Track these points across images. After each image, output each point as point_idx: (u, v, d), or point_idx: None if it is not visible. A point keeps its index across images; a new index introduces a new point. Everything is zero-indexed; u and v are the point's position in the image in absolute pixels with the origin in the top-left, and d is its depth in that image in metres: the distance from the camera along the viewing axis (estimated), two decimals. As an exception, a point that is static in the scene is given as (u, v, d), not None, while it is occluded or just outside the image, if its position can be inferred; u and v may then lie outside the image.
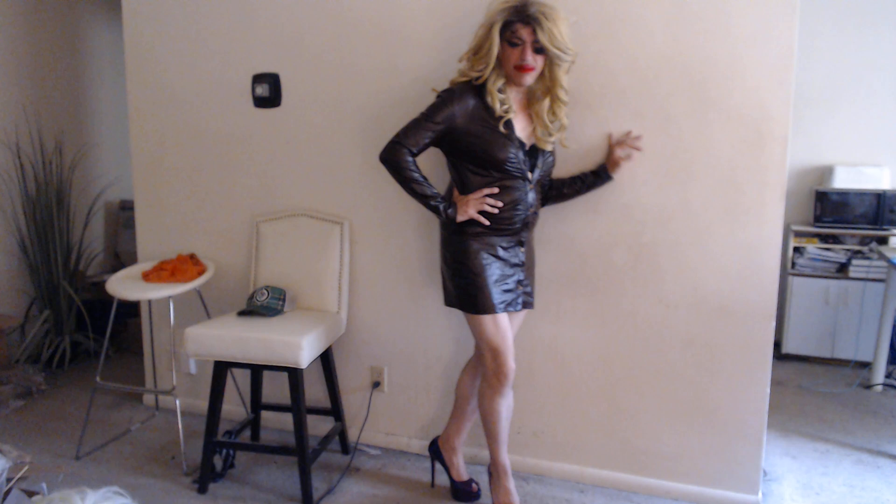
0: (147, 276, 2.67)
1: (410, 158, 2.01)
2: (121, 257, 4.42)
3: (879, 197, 3.67)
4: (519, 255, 2.10)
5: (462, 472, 2.35)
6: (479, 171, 2.03)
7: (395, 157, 2.01)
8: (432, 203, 2.03)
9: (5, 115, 3.64)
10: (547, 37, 1.89)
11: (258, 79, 2.72)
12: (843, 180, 3.84)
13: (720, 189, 2.18)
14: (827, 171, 3.95)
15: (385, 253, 2.63)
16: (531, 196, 2.06)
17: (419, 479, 2.47)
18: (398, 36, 2.49)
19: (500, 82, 1.99)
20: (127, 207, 4.37)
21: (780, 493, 2.38)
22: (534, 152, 2.06)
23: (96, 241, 4.25)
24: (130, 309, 3.61)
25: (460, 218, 2.02)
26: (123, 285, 2.61)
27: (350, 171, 2.64)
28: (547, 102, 2.02)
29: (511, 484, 2.24)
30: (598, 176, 2.22)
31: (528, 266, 2.14)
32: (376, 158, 2.57)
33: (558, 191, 2.24)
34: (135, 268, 2.84)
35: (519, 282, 2.10)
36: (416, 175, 2.02)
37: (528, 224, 2.09)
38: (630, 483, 2.38)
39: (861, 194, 3.70)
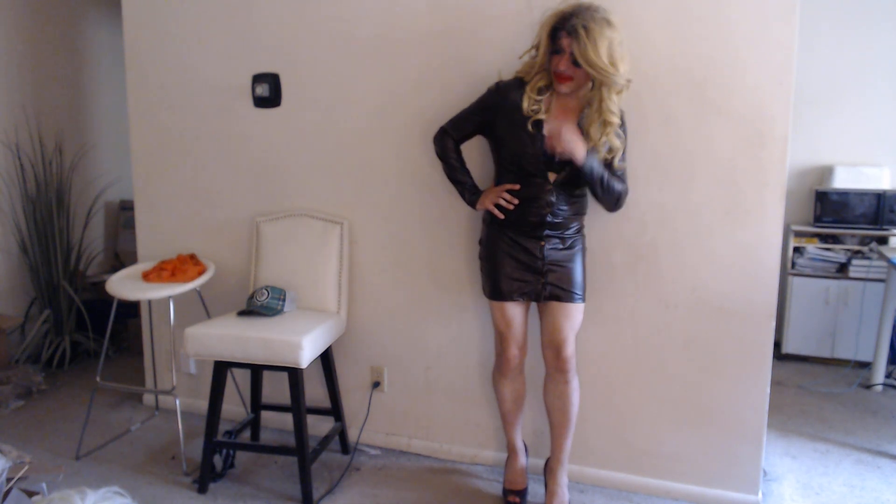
0: (147, 276, 2.67)
1: (452, 144, 2.22)
2: (121, 257, 4.42)
3: (879, 197, 3.67)
4: (539, 248, 2.09)
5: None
6: (505, 165, 2.13)
7: (439, 142, 2.24)
8: (458, 188, 2.23)
9: (5, 115, 3.64)
10: (580, 53, 1.87)
11: (258, 79, 2.72)
12: (842, 180, 3.84)
13: (720, 189, 2.18)
14: (827, 171, 3.94)
15: (385, 253, 2.63)
16: (552, 197, 2.05)
17: (419, 480, 2.48)
18: (397, 35, 2.49)
19: (542, 83, 2.02)
20: (127, 207, 4.37)
21: (780, 493, 2.38)
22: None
23: (96, 241, 4.25)
24: (130, 309, 3.60)
25: (478, 207, 2.18)
26: (123, 285, 2.61)
27: (350, 171, 2.64)
28: (599, 124, 1.97)
29: (520, 464, 2.32)
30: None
31: (557, 262, 2.10)
32: (376, 158, 2.60)
33: None
34: (135, 268, 2.84)
35: (540, 273, 2.10)
36: (453, 161, 2.23)
37: (547, 223, 2.07)
38: (630, 483, 2.38)
39: (861, 194, 3.70)
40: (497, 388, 2.29)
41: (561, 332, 2.12)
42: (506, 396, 2.27)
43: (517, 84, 2.06)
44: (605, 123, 1.98)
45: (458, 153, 2.23)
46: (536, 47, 2.03)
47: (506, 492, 2.31)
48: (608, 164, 2.04)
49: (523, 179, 2.07)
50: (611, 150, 2.02)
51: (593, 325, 2.33)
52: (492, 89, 2.13)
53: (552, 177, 2.05)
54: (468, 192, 2.20)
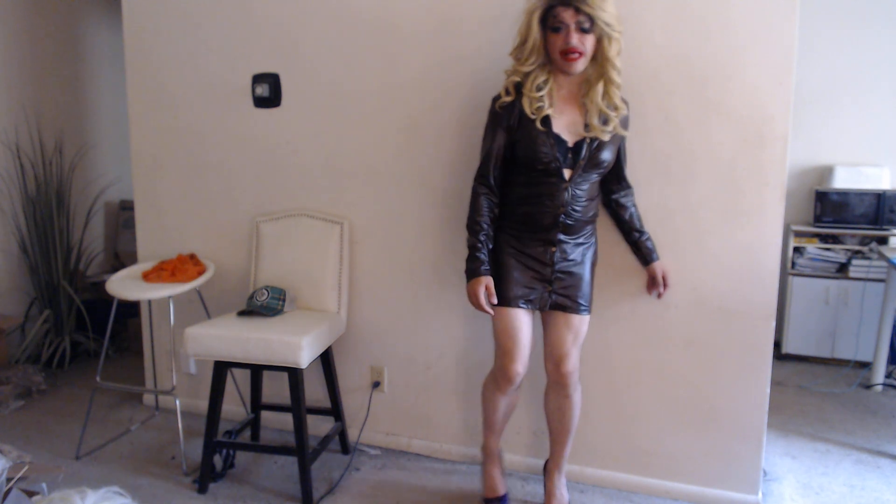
0: (147, 276, 2.67)
1: (485, 200, 2.04)
2: (121, 257, 4.42)
3: (879, 197, 3.67)
4: (549, 254, 2.01)
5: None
6: (517, 166, 2.01)
7: (473, 197, 2.07)
8: (470, 251, 2.04)
9: (5, 115, 3.64)
10: (593, 10, 1.80)
11: (258, 79, 2.72)
12: (843, 180, 3.84)
13: (720, 189, 2.18)
14: (827, 171, 3.94)
15: (385, 253, 2.63)
16: (565, 195, 1.95)
17: (419, 479, 2.47)
18: (398, 35, 2.49)
19: (541, 79, 1.92)
20: (127, 207, 4.38)
21: (780, 493, 2.38)
22: (577, 148, 1.95)
23: (96, 241, 4.25)
24: (130, 309, 3.61)
25: (468, 285, 2.02)
26: (123, 285, 2.61)
27: (350, 171, 2.64)
28: (601, 87, 1.92)
29: (496, 471, 2.25)
30: (640, 255, 2.20)
31: (565, 270, 2.02)
32: (376, 158, 2.59)
33: (617, 214, 2.18)
34: (135, 268, 2.84)
35: (547, 282, 2.02)
36: (480, 222, 2.03)
37: (560, 224, 1.98)
38: (630, 483, 2.38)
39: (861, 194, 3.70)
40: (490, 398, 2.16)
41: (563, 345, 2.04)
42: (499, 409, 2.15)
43: (515, 90, 1.97)
44: (614, 86, 1.93)
45: (491, 208, 2.05)
46: (522, 42, 1.92)
47: (486, 501, 2.22)
48: (619, 150, 2.08)
49: (536, 180, 1.97)
50: (616, 109, 1.95)
51: (594, 326, 2.32)
52: (496, 111, 2.02)
53: (568, 174, 1.95)
54: (476, 261, 2.01)
